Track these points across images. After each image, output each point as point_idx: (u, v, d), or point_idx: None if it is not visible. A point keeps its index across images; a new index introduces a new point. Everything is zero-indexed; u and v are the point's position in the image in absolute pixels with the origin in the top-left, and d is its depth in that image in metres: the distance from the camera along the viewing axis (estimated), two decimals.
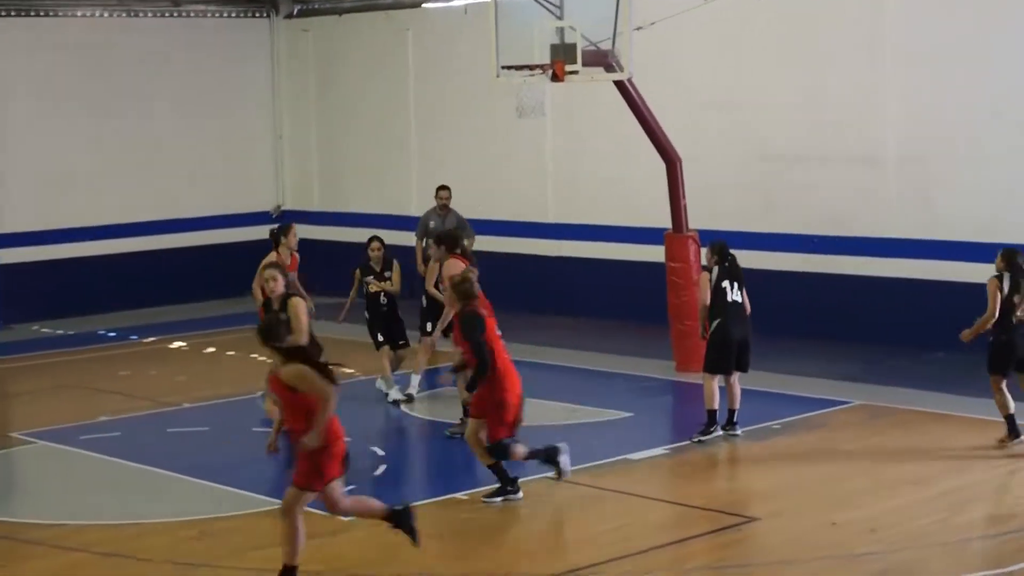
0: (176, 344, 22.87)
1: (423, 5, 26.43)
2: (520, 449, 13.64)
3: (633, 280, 22.91)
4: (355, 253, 27.00)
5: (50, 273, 25.68)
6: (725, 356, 15.89)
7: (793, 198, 21.58)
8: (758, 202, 21.93)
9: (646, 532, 12.89)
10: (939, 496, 13.63)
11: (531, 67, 18.55)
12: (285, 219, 28.50)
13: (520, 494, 13.64)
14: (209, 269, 26.96)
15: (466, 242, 18.29)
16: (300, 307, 14.81)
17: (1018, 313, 14.94)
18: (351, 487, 14.09)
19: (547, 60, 18.34)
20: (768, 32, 21.78)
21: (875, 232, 20.77)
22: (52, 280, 25.60)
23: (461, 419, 15.85)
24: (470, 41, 24.07)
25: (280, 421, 11.54)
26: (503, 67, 18.78)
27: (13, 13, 25.62)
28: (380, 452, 15.55)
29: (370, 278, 18.46)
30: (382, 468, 15.01)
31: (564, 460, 13.85)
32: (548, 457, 13.84)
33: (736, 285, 16.02)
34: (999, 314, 15.03)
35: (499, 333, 13.94)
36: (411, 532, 11.80)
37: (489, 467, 13.76)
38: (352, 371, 19.05)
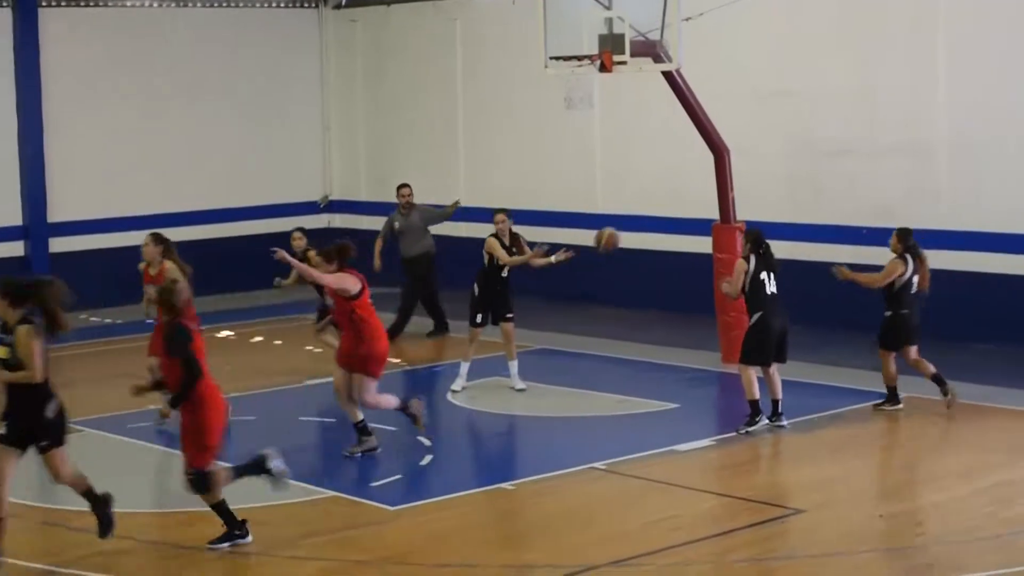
0: (224, 333, 22.95)
1: None
2: (223, 473, 12.61)
3: (680, 271, 22.88)
4: None
5: (99, 262, 25.79)
6: (765, 349, 15.88)
7: (842, 189, 21.48)
8: (807, 193, 21.84)
9: (692, 523, 12.87)
10: (986, 489, 13.56)
11: (579, 58, 18.52)
12: (332, 209, 28.67)
13: (250, 538, 12.39)
14: (256, 259, 26.92)
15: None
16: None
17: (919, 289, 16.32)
18: (397, 477, 14.18)
19: (595, 51, 18.31)
20: (817, 22, 21.69)
21: (925, 223, 20.61)
22: (101, 269, 25.69)
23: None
24: (518, 32, 24.04)
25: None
26: (551, 58, 18.76)
27: (64, 3, 25.76)
28: (427, 442, 15.57)
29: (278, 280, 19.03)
30: (428, 458, 15.03)
31: (276, 464, 12.73)
32: (257, 468, 12.80)
33: (773, 276, 16.01)
34: (898, 289, 16.33)
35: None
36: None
37: (212, 507, 12.50)
38: (399, 361, 19.08)
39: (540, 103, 24.57)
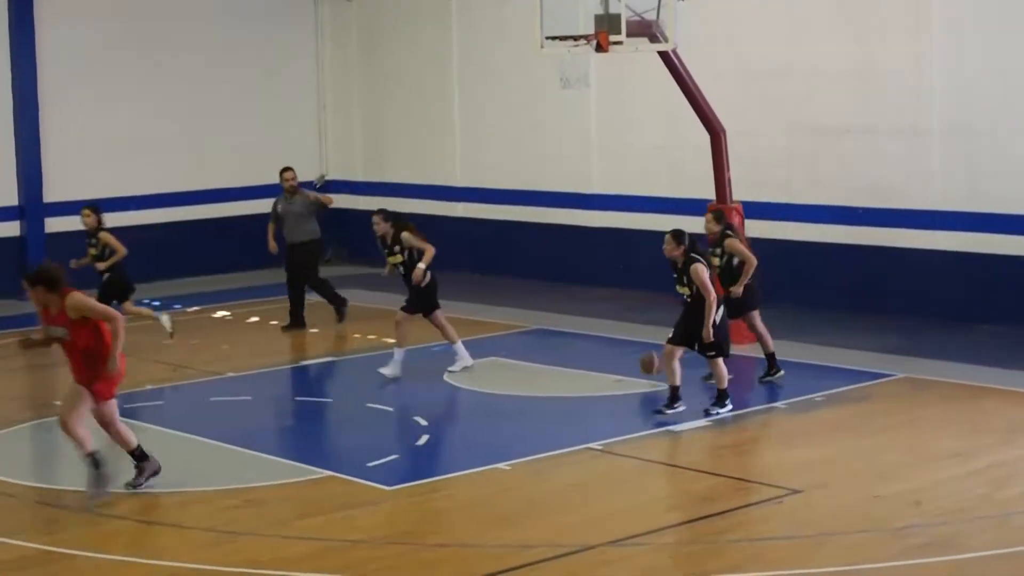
0: (220, 314, 22.96)
1: None
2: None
3: None
4: None
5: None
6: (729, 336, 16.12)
7: (838, 169, 21.45)
8: (803, 173, 21.81)
9: (688, 503, 12.88)
10: (983, 470, 13.57)
11: (575, 38, 18.48)
12: (329, 189, 28.60)
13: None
14: (252, 239, 26.98)
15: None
16: None
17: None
18: (394, 456, 14.19)
19: (591, 31, 18.27)
20: (814, 2, 21.64)
21: (920, 204, 20.65)
22: None
23: None
24: (514, 11, 24.02)
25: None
26: (547, 37, 18.71)
27: None
28: (423, 422, 15.57)
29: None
30: (425, 438, 15.03)
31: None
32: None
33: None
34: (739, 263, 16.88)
35: None
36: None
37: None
38: (395, 341, 19.06)
39: (536, 83, 24.54)
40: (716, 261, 16.72)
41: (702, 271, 15.43)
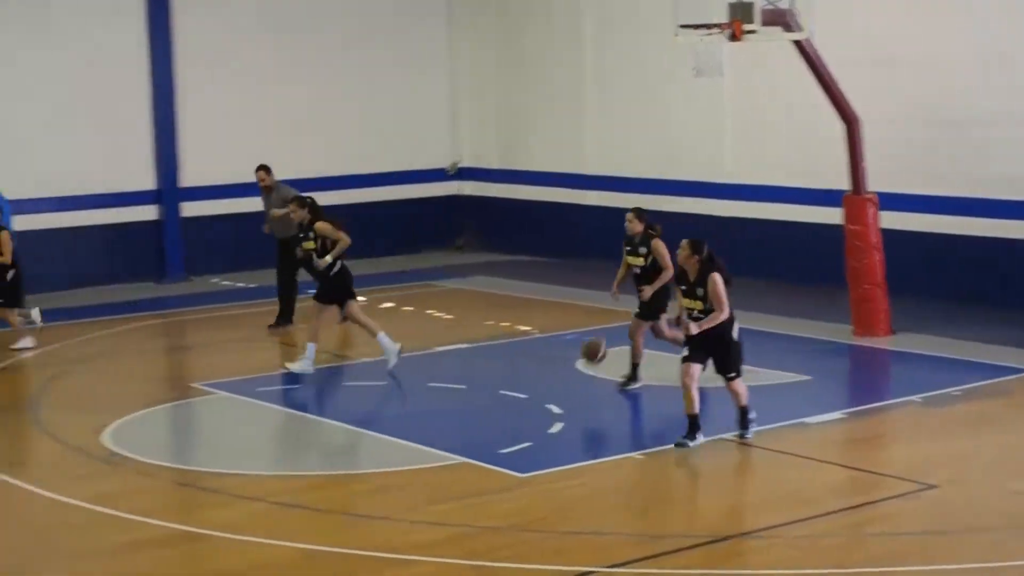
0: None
1: None
2: None
3: (810, 242, 22.65)
4: (532, 212, 27.19)
5: (231, 227, 26.08)
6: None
7: (972, 159, 21.10)
8: (936, 163, 21.48)
9: (823, 496, 12.75)
10: None
11: (709, 26, 18.37)
12: (461, 176, 28.67)
13: None
14: (385, 225, 27.18)
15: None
16: None
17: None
18: (527, 444, 14.19)
19: (725, 20, 18.15)
20: None
21: None
22: (232, 234, 26.00)
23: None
24: None
25: None
26: (681, 26, 18.61)
27: None
28: (557, 410, 15.56)
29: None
30: (558, 426, 15.02)
31: None
32: None
33: None
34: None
35: None
36: None
37: None
38: (529, 329, 19.09)
39: (670, 71, 24.41)
40: (640, 261, 16.37)
41: (718, 283, 14.11)
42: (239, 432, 15.61)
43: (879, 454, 14.33)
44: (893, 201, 20.77)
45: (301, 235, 18.28)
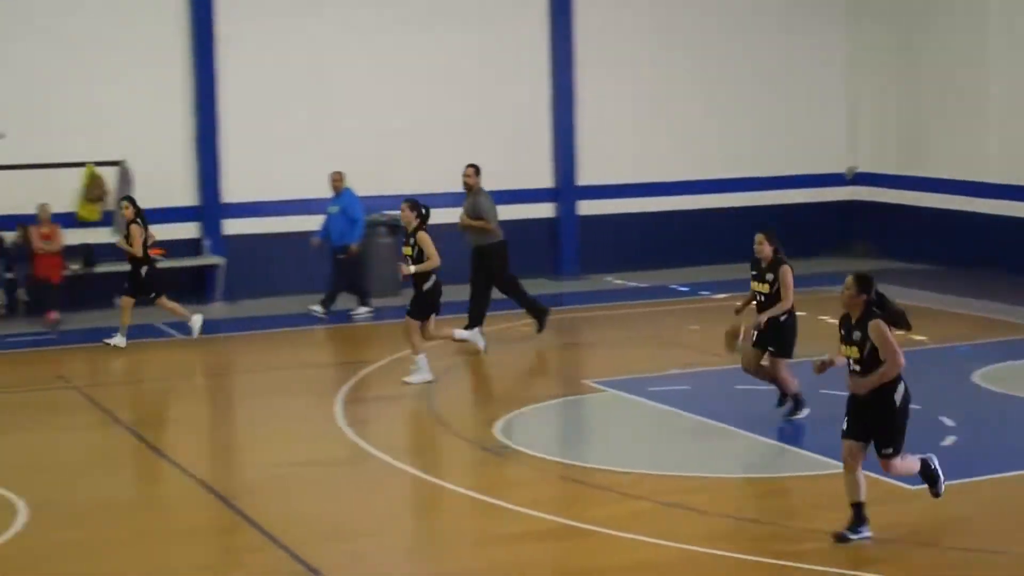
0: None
1: None
2: None
3: None
4: (929, 218, 26.48)
5: (626, 226, 26.28)
6: None
7: None
8: None
9: None
10: None
11: None
12: (857, 181, 28.15)
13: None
14: (777, 230, 26.75)
15: None
16: None
17: None
18: (919, 455, 13.79)
19: None
20: None
21: None
22: (628, 233, 26.20)
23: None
24: None
25: None
26: None
27: None
28: (949, 423, 15.13)
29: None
30: (950, 439, 14.59)
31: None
32: None
33: None
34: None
35: None
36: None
37: None
38: (923, 339, 18.61)
39: None
40: (765, 288, 15.43)
41: (884, 329, 11.51)
42: (627, 431, 15.69)
43: None
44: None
45: (404, 238, 17.94)
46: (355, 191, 22.74)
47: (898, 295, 21.51)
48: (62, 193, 23.12)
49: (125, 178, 23.50)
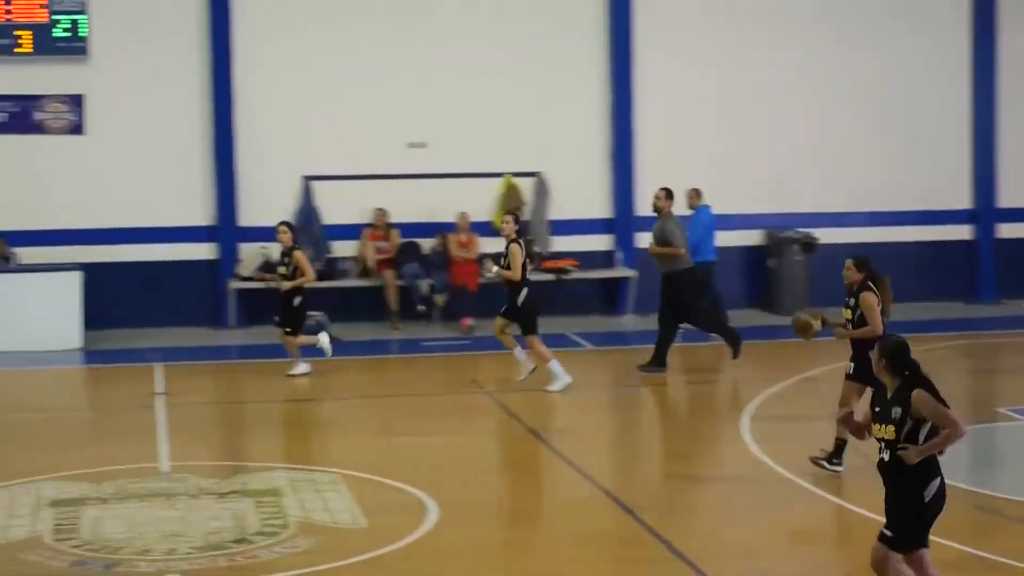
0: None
1: None
2: None
3: None
4: None
5: None
6: None
7: None
8: None
9: None
10: None
11: None
12: None
13: None
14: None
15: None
16: None
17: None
18: None
19: None
20: None
21: None
22: None
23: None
24: None
25: None
26: None
27: None
28: None
29: None
30: None
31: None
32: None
33: None
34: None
35: None
36: None
37: None
38: None
39: None
40: (848, 315, 14.18)
41: (928, 401, 9.81)
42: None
43: None
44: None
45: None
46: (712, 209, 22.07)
47: None
48: (480, 203, 23.77)
49: (542, 189, 24.04)
